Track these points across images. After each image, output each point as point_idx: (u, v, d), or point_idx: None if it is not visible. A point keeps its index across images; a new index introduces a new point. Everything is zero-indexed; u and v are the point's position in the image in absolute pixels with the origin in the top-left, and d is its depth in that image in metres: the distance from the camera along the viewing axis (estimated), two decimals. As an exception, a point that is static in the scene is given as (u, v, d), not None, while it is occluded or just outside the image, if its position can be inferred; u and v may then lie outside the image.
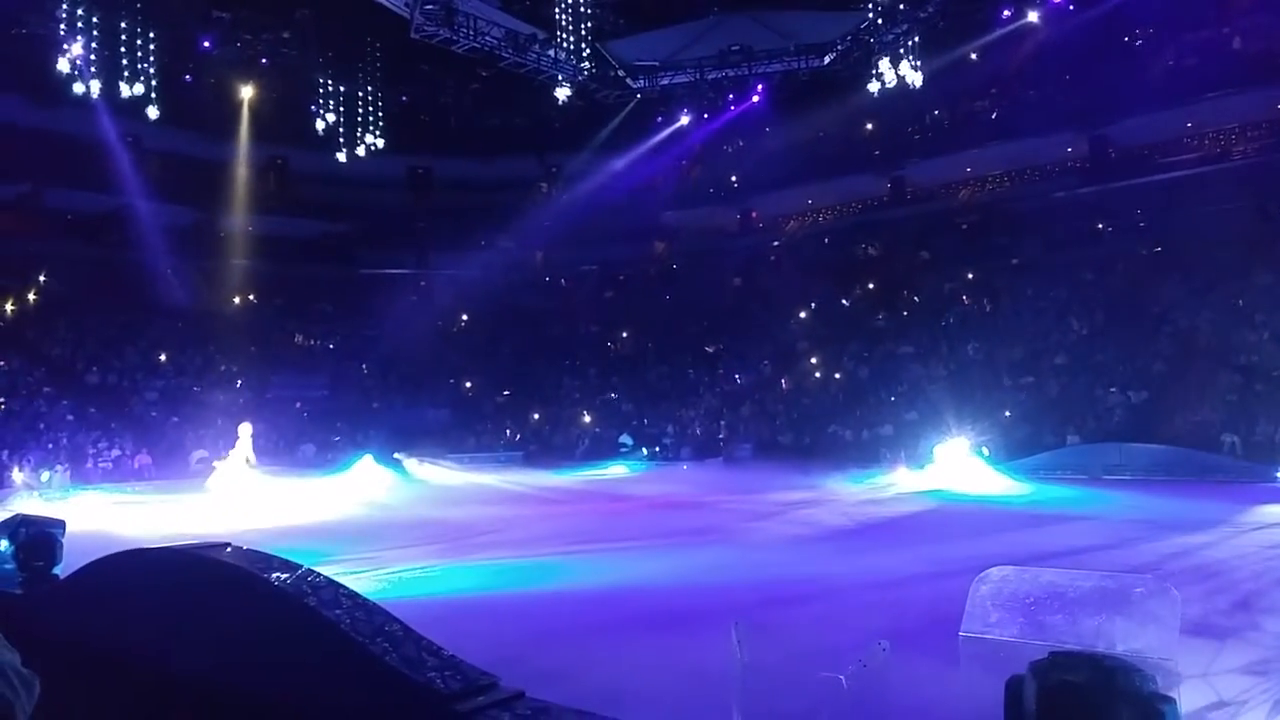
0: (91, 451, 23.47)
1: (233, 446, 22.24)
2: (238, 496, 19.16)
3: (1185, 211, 25.58)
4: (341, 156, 30.03)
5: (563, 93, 26.67)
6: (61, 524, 5.79)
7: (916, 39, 26.18)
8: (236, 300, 34.24)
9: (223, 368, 30.45)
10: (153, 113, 25.05)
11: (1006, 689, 1.48)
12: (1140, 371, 21.86)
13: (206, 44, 26.85)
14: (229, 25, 26.45)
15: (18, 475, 20.57)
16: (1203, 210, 24.85)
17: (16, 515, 5.87)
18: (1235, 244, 23.42)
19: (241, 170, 32.48)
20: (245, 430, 20.25)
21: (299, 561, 3.39)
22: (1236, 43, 26.78)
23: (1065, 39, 27.03)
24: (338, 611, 2.94)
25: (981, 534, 11.65)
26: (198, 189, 31.92)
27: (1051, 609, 6.13)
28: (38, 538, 5.54)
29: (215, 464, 24.12)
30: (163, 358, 29.39)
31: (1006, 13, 26.62)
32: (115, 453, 23.84)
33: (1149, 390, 21.04)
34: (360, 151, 29.87)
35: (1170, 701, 1.32)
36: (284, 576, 3.21)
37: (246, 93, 29.82)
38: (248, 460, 20.01)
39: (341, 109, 29.51)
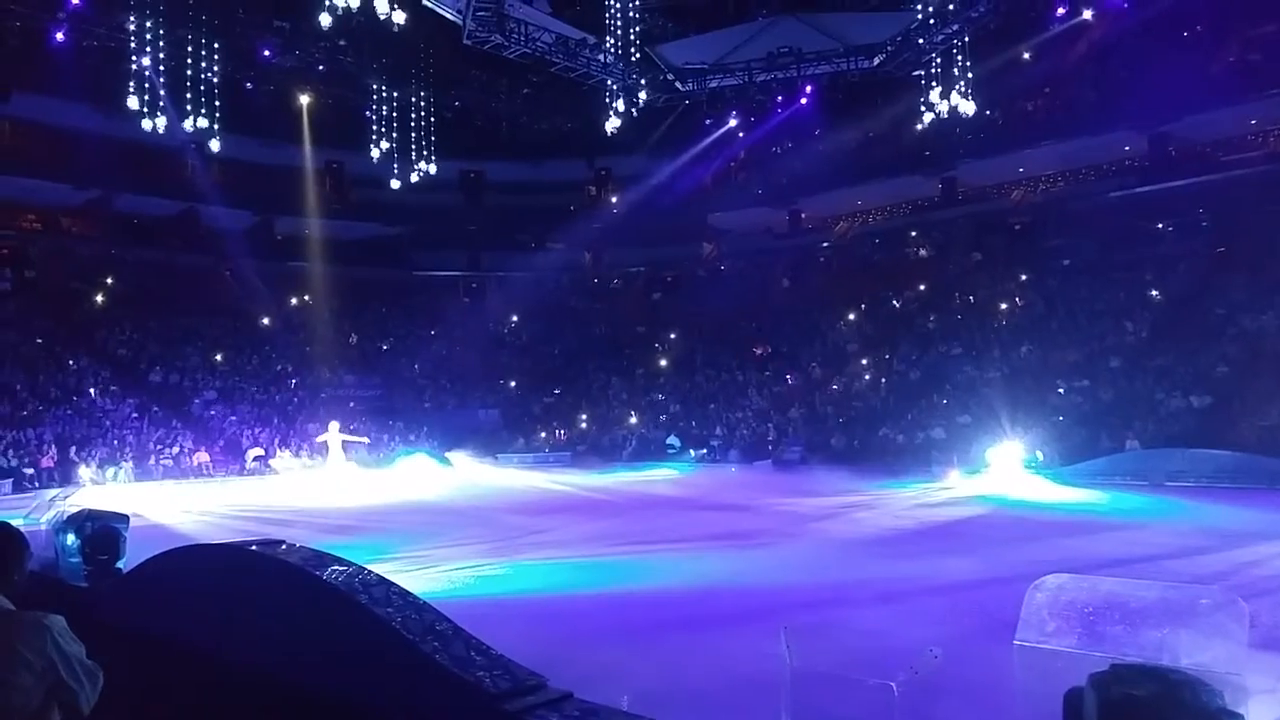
0: (154, 449, 24.26)
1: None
2: (304, 487, 20.06)
3: (1250, 210, 24.72)
4: (395, 184, 30.52)
5: (620, 107, 26.89)
6: (125, 519, 5.99)
7: (967, 39, 25.75)
8: (293, 301, 35.08)
9: (279, 368, 31.25)
10: (216, 119, 25.72)
11: (1065, 701, 1.47)
12: (1203, 375, 21.16)
13: (267, 53, 27.53)
14: (288, 34, 27.09)
15: (84, 471, 21.36)
16: (1269, 209, 24.01)
17: (83, 510, 6.09)
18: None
19: (299, 175, 33.36)
20: (334, 427, 21.07)
21: (351, 559, 3.46)
22: (1303, 36, 25.87)
23: (1122, 36, 26.46)
24: (389, 609, 3.02)
25: (1037, 540, 11.40)
26: (257, 193, 32.97)
27: (1111, 619, 5.96)
28: (103, 532, 5.69)
29: (271, 462, 24.85)
30: (219, 358, 30.22)
31: (1061, 10, 26.04)
32: (175, 450, 24.60)
33: (1213, 394, 20.35)
34: (414, 177, 30.38)
35: (1238, 718, 1.29)
36: (336, 574, 3.29)
37: (304, 99, 30.55)
38: (341, 455, 20.94)
39: (395, 114, 30.02)
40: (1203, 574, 8.10)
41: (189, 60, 25.31)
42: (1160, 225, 28.17)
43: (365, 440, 22.60)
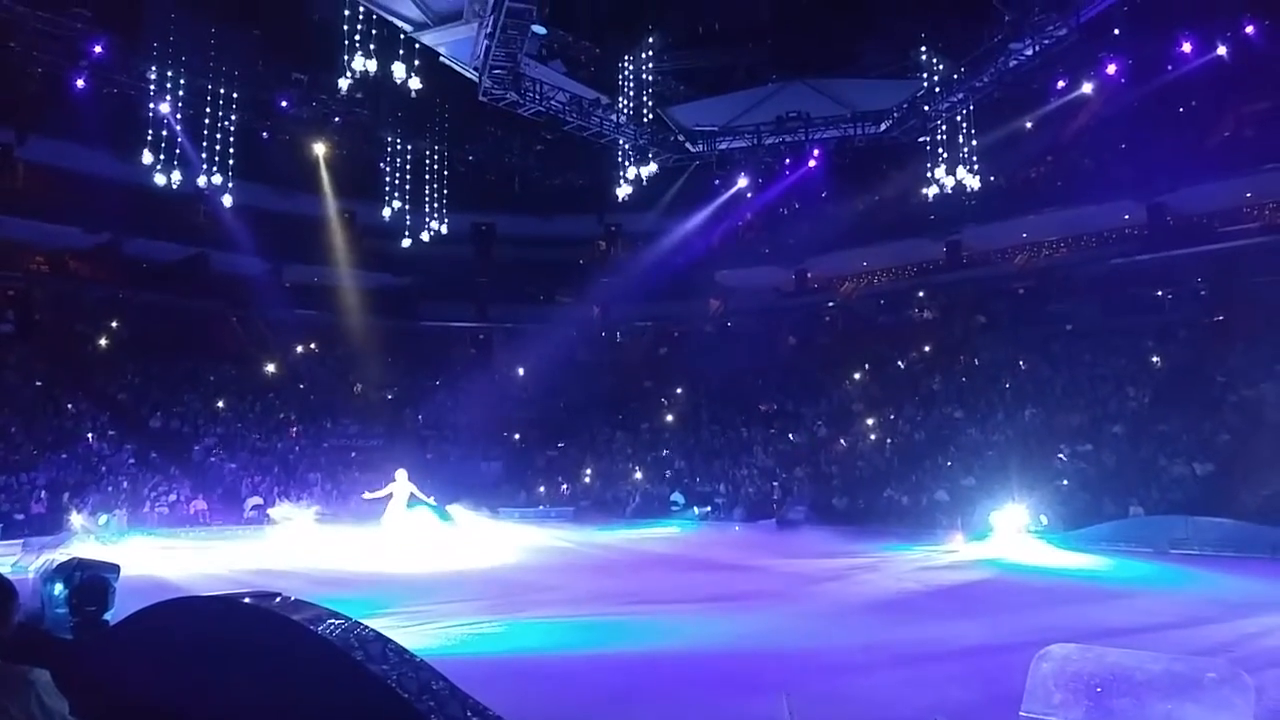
0: (150, 495, 23.97)
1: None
2: (302, 541, 19.17)
3: (1247, 280, 25.33)
4: (406, 241, 30.98)
5: (631, 174, 27.68)
6: (116, 568, 5.86)
7: (972, 108, 26.51)
8: (299, 349, 35.31)
9: (281, 416, 31.31)
10: (230, 167, 26.22)
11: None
12: (1205, 442, 21.31)
13: (284, 103, 28.21)
14: (306, 86, 27.80)
15: (76, 518, 20.70)
16: (1265, 279, 24.57)
17: (72, 559, 6.00)
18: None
19: (311, 223, 33.91)
20: (402, 476, 19.09)
21: (347, 613, 3.42)
22: (1293, 115, 26.69)
23: (1121, 109, 27.26)
24: (385, 666, 2.98)
25: (1041, 606, 11.43)
26: (268, 241, 33.08)
27: (1118, 692, 6.01)
28: (91, 582, 5.56)
29: (270, 511, 24.66)
30: (221, 404, 30.19)
31: (1061, 83, 26.86)
32: (172, 497, 24.35)
33: (1214, 462, 20.48)
34: (425, 236, 30.84)
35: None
36: (332, 629, 3.22)
37: (319, 149, 31.03)
38: (404, 511, 18.80)
39: (409, 166, 30.67)
40: (1207, 645, 8.19)
41: (207, 109, 25.79)
42: (1160, 293, 28.65)
43: (431, 499, 20.00)
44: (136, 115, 25.36)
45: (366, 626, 3.27)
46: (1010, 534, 18.41)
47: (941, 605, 11.99)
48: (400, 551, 16.87)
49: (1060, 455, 23.13)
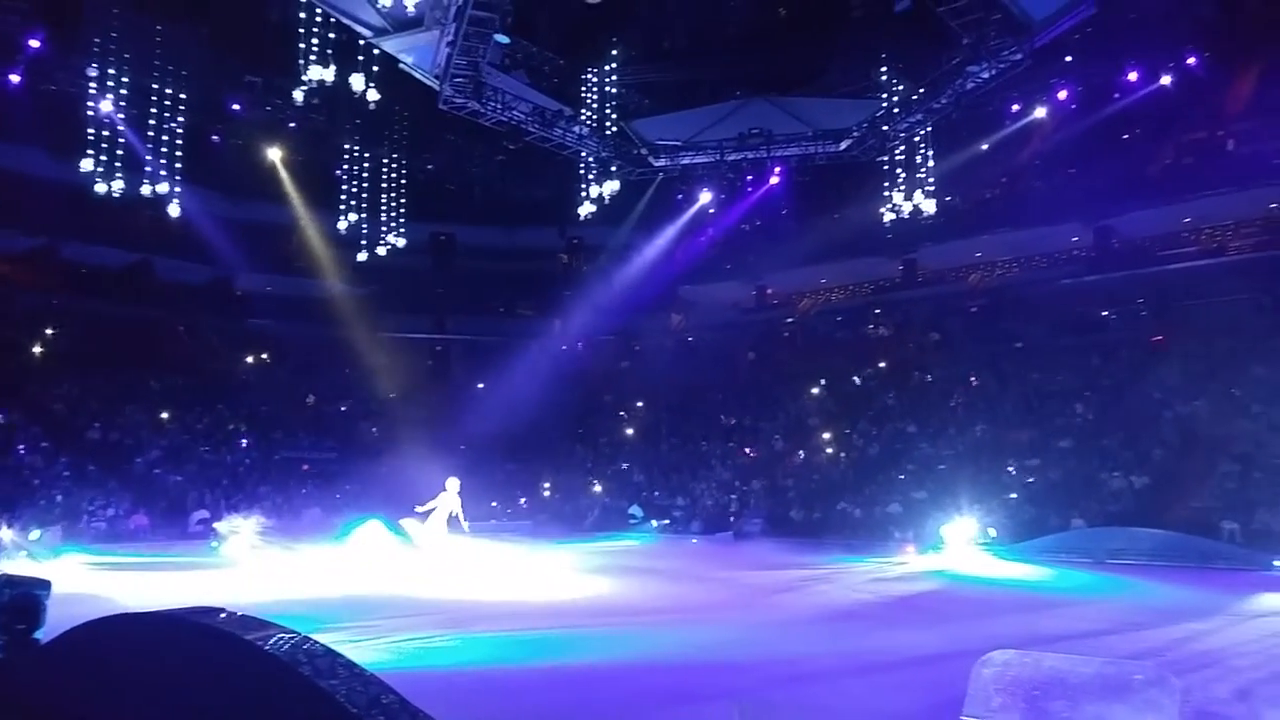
0: (87, 510, 23.20)
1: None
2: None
3: (1185, 302, 26.34)
4: (362, 255, 30.64)
5: (594, 193, 27.78)
6: (47, 584, 5.65)
7: (930, 129, 27.16)
8: (250, 360, 34.59)
9: (230, 427, 30.60)
10: (178, 172, 25.51)
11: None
12: (1142, 457, 22.03)
13: (236, 106, 27.64)
14: (260, 89, 27.27)
15: (5, 533, 19.59)
16: (1201, 302, 25.66)
17: (1, 575, 5.80)
18: (1232, 335, 23.91)
19: (264, 231, 33.14)
20: (453, 485, 17.50)
21: (296, 628, 3.34)
22: (1230, 145, 27.87)
23: (1072, 134, 28.06)
24: (333, 681, 2.91)
25: (987, 616, 11.73)
26: (217, 247, 32.04)
27: (1053, 695, 6.22)
28: (21, 599, 5.10)
29: (216, 525, 23.97)
30: (165, 416, 29.34)
31: (1015, 107, 27.62)
32: (110, 512, 23.62)
33: (1150, 476, 21.17)
34: (381, 250, 30.47)
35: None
36: (280, 644, 3.14)
37: (273, 155, 30.32)
38: (452, 520, 17.13)
39: (366, 174, 30.33)
40: (1140, 650, 8.47)
41: (153, 110, 24.95)
42: (1105, 313, 29.47)
43: (463, 519, 18.01)
44: (76, 114, 24.33)
45: (315, 641, 3.22)
46: (960, 546, 18.85)
47: (892, 615, 12.22)
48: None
49: (1009, 470, 23.65)
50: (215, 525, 23.66)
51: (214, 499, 25.86)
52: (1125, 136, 28.87)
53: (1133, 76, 26.20)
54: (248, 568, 17.07)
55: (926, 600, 13.83)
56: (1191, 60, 25.25)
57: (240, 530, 23.15)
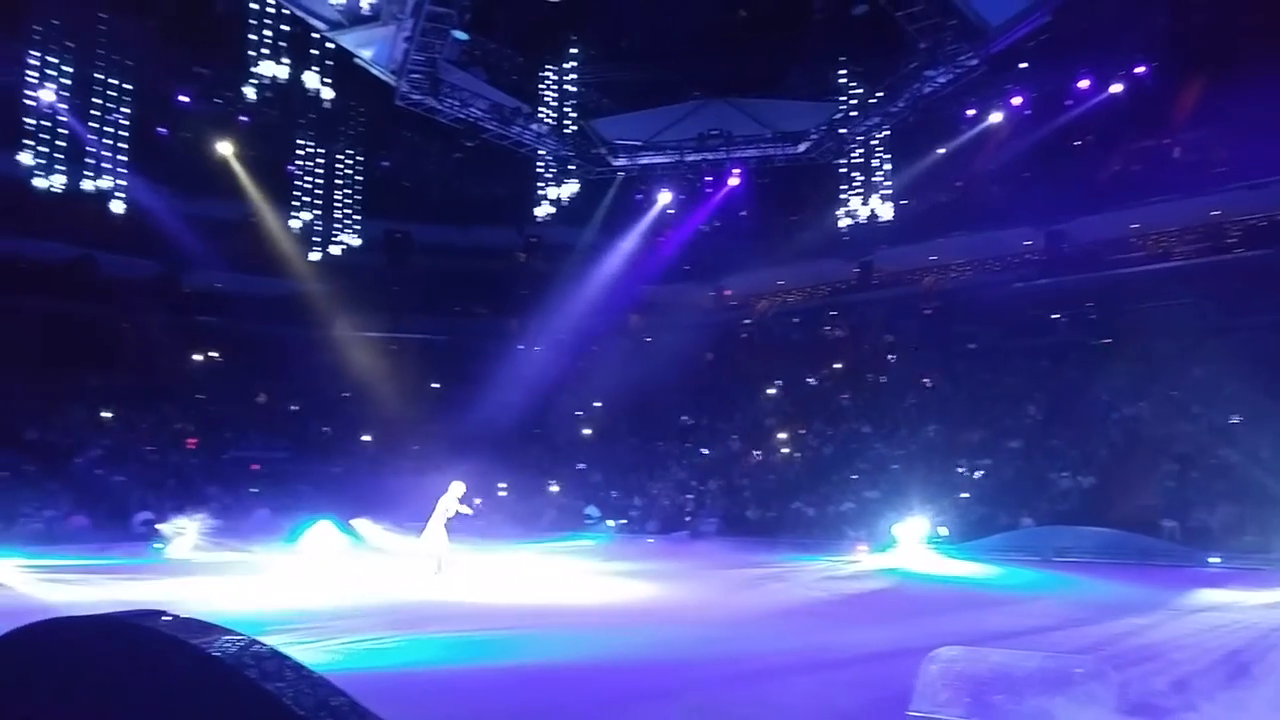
0: (24, 512, 22.37)
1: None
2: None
3: (1131, 306, 26.97)
4: (315, 255, 30.07)
5: (553, 195, 27.62)
6: None
7: (887, 132, 27.49)
8: (198, 358, 33.82)
9: (177, 426, 29.88)
10: (122, 166, 24.74)
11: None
12: (1089, 457, 22.53)
13: (184, 99, 26.93)
14: (209, 82, 26.61)
15: None
16: (1147, 306, 26.29)
17: None
18: (1175, 339, 24.55)
19: (214, 227, 32.22)
20: (457, 490, 16.27)
21: (243, 631, 3.23)
22: (1176, 154, 28.64)
23: (1025, 140, 28.57)
24: (280, 684, 2.84)
25: (937, 613, 11.87)
26: (164, 243, 31.11)
27: (998, 689, 6.31)
28: None
29: (160, 527, 23.30)
30: (106, 415, 28.49)
31: (971, 112, 28.06)
32: (49, 513, 22.87)
33: (1096, 476, 21.64)
34: (335, 250, 29.92)
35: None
36: (225, 647, 3.04)
37: (223, 149, 29.55)
38: (443, 531, 15.85)
39: (320, 170, 29.78)
40: (1082, 645, 8.61)
41: (96, 101, 24.10)
42: (1055, 316, 30.06)
43: (469, 511, 16.76)
44: (15, 105, 23.35)
45: (261, 643, 3.09)
46: (911, 544, 19.07)
47: (845, 613, 12.31)
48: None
49: (960, 469, 24.00)
50: (159, 526, 23.11)
51: (159, 500, 25.16)
52: (1077, 143, 29.49)
53: (1084, 84, 26.75)
54: (193, 570, 16.63)
55: (878, 598, 13.97)
56: (1140, 70, 25.85)
57: (185, 531, 22.64)
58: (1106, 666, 5.99)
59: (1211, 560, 17.20)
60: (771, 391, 32.51)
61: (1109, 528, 18.77)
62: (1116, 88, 26.15)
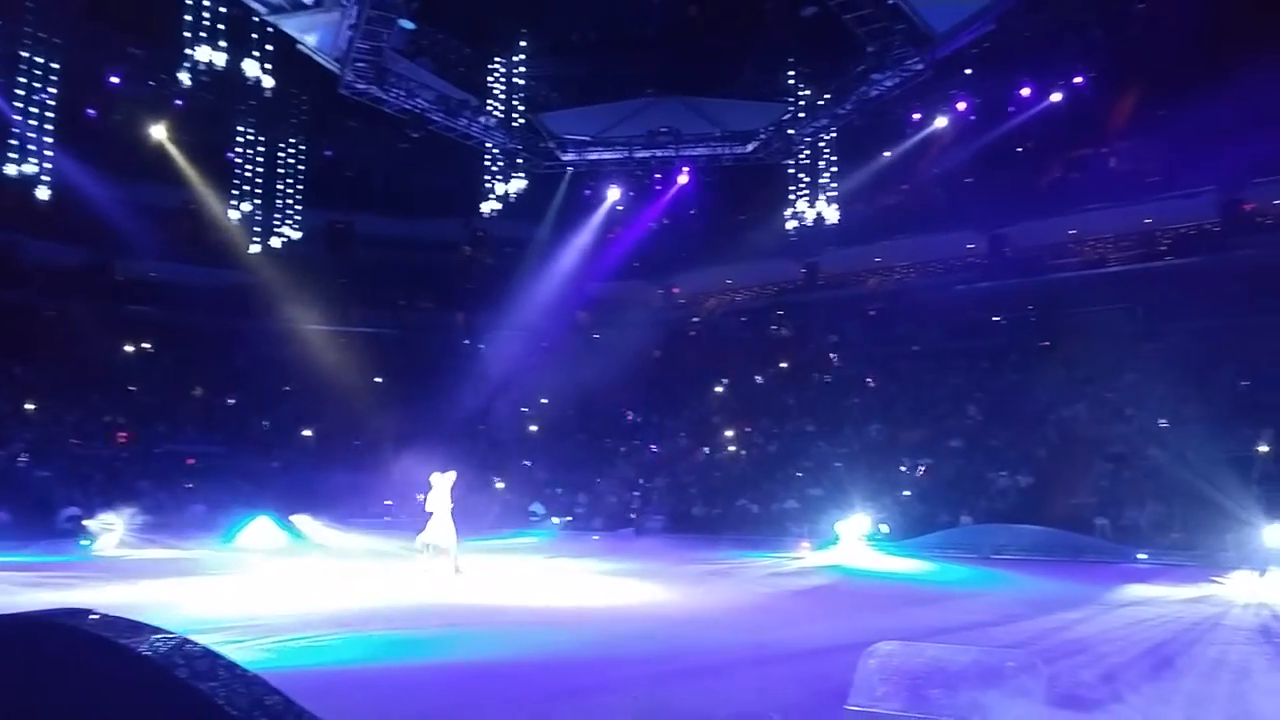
0: None
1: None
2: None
3: (1069, 310, 27.68)
4: (255, 247, 29.31)
5: (500, 190, 27.29)
6: None
7: (834, 134, 27.80)
8: (129, 348, 32.73)
9: (106, 419, 28.89)
10: (49, 147, 23.72)
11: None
12: (1027, 457, 23.06)
13: (115, 80, 25.96)
14: (144, 63, 25.67)
15: None
16: (1083, 310, 27.03)
17: None
18: (1110, 343, 25.27)
19: (149, 214, 31.25)
20: (444, 481, 15.43)
21: (173, 630, 3.18)
22: (1112, 163, 29.52)
23: (969, 146, 29.15)
24: (213, 683, 2.78)
25: (877, 609, 12.00)
26: (97, 230, 30.03)
27: (933, 683, 6.37)
28: None
29: (87, 523, 22.44)
30: (30, 406, 27.50)
31: (917, 116, 28.52)
32: (-40, 509, 22.01)
33: (1033, 475, 22.17)
34: (275, 242, 29.14)
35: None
36: (155, 646, 2.97)
37: (158, 133, 28.57)
38: (449, 523, 14.99)
39: (260, 158, 28.98)
40: (1015, 639, 8.75)
41: (21, 79, 23.22)
42: (996, 318, 30.73)
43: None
44: None
45: (193, 642, 3.04)
46: (853, 541, 19.26)
47: (787, 609, 12.36)
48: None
49: (902, 468, 24.37)
50: (86, 523, 22.30)
51: (86, 495, 24.26)
52: (1019, 149, 30.21)
53: (1026, 92, 27.39)
54: (123, 567, 16.06)
55: (820, 594, 14.07)
56: (1079, 80, 26.55)
57: (114, 527, 21.86)
58: (1037, 660, 6.09)
59: (1140, 557, 17.76)
60: (719, 389, 32.66)
61: (1045, 526, 19.25)
62: (1056, 96, 26.83)
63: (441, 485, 15.15)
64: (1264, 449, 19.47)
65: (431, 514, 14.98)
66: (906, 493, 23.11)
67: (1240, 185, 27.04)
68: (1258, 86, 21.06)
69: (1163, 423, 21.51)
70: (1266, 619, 10.89)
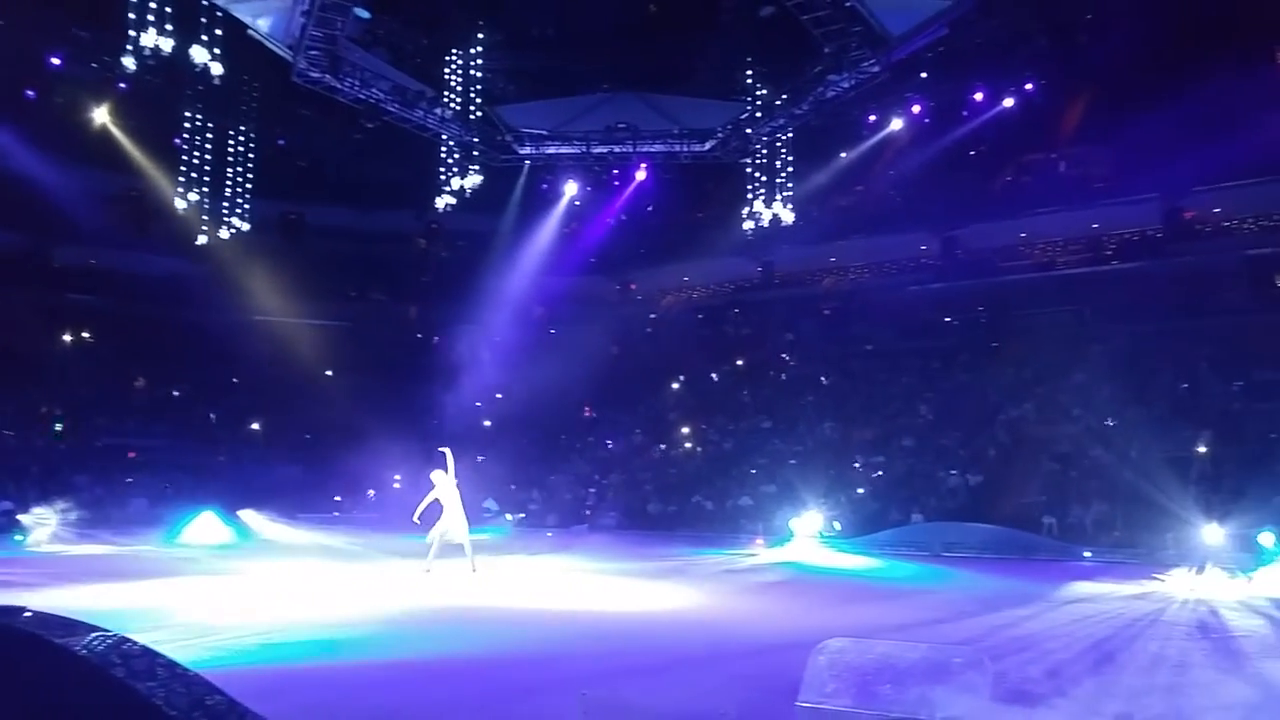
0: None
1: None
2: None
3: (1018, 312, 28.28)
4: (203, 238, 28.61)
5: (455, 185, 26.96)
6: None
7: (791, 134, 27.98)
8: (68, 338, 31.75)
9: (42, 410, 28.05)
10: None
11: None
12: (977, 456, 23.48)
13: (55, 61, 25.12)
14: (88, 44, 24.82)
15: None
16: (1032, 312, 27.63)
17: None
18: (1058, 344, 25.86)
19: (90, 200, 30.26)
20: (440, 478, 14.53)
21: (110, 628, 3.13)
22: (1062, 168, 30.21)
23: (923, 148, 29.54)
24: (151, 683, 2.73)
25: (828, 606, 12.09)
26: (34, 215, 29.03)
27: (882, 679, 6.42)
28: None
29: (21, 517, 21.71)
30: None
31: (872, 118, 28.83)
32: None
33: (983, 474, 22.58)
34: (224, 233, 28.47)
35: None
36: (91, 644, 2.93)
37: (101, 117, 27.60)
38: (461, 517, 14.40)
39: (208, 145, 28.23)
40: (964, 636, 8.85)
41: None
42: (948, 319, 31.28)
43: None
44: None
45: (132, 641, 2.99)
46: (806, 538, 19.43)
47: (740, 606, 12.39)
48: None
49: (855, 465, 24.66)
50: (19, 517, 21.65)
51: (20, 488, 23.50)
52: (972, 153, 30.71)
53: (979, 96, 27.84)
54: (58, 563, 15.55)
55: (773, 591, 14.12)
56: (1030, 86, 27.06)
57: (49, 522, 21.21)
58: (984, 656, 6.16)
59: (1085, 555, 18.12)
60: (675, 386, 32.74)
61: (994, 524, 19.56)
62: (1008, 102, 27.29)
63: (444, 478, 14.39)
64: (1202, 450, 20.05)
65: (449, 503, 14.28)
66: (859, 490, 23.39)
67: (1182, 193, 27.83)
68: (1200, 99, 21.74)
69: (1109, 423, 22.03)
70: (1204, 615, 11.18)
